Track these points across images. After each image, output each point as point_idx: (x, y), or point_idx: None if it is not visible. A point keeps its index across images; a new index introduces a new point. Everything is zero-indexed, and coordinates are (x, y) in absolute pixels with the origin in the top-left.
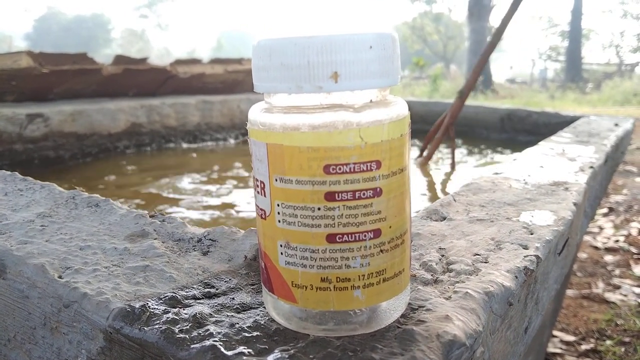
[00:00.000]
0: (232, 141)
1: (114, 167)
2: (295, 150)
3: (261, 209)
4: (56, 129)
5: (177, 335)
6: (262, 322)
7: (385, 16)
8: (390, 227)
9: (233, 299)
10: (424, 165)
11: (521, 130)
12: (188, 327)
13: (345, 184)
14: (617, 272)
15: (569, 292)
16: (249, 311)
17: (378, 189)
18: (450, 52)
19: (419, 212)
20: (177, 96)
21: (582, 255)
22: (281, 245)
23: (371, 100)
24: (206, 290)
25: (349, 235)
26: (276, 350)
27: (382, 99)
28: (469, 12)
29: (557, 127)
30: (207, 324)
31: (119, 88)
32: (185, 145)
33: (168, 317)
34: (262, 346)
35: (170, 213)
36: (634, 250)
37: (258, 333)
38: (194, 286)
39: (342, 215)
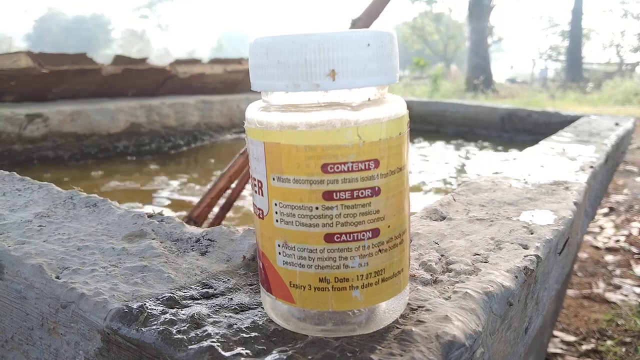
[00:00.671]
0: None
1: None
2: (292, 149)
3: (259, 209)
4: (55, 129)
5: (175, 336)
6: (261, 323)
7: (386, 16)
8: (388, 226)
9: (231, 299)
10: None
11: (522, 130)
12: (186, 327)
13: (343, 183)
14: (617, 272)
15: (570, 292)
16: (247, 312)
17: (376, 188)
18: (450, 52)
19: (418, 212)
20: (176, 96)
21: (583, 255)
22: (279, 245)
23: (369, 99)
24: (204, 290)
25: (347, 235)
26: (274, 351)
27: (380, 97)
28: (469, 12)
29: (557, 127)
30: (205, 325)
31: (118, 88)
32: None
33: (166, 318)
34: (260, 347)
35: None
36: (634, 250)
37: (256, 334)
38: (192, 286)
39: (340, 214)
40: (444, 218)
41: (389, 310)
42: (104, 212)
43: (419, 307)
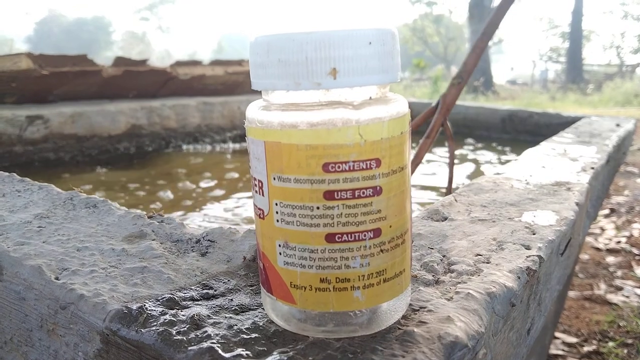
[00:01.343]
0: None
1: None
2: (293, 148)
3: (259, 209)
4: (56, 131)
5: (175, 337)
6: (261, 324)
7: (386, 18)
8: (390, 226)
9: (231, 300)
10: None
11: (522, 131)
12: (185, 329)
13: (344, 182)
14: (619, 273)
15: (571, 294)
16: (247, 312)
17: (378, 188)
18: (451, 53)
19: (420, 213)
20: (177, 98)
21: (584, 256)
22: (280, 245)
23: (371, 97)
24: (204, 291)
25: (349, 235)
26: (275, 352)
27: (382, 96)
28: (470, 13)
29: (558, 128)
30: (205, 326)
31: (119, 90)
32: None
33: (165, 319)
34: (261, 348)
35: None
36: (635, 251)
37: (256, 335)
38: (192, 287)
39: (341, 214)
40: (445, 219)
41: (390, 311)
42: (104, 213)
43: (420, 307)
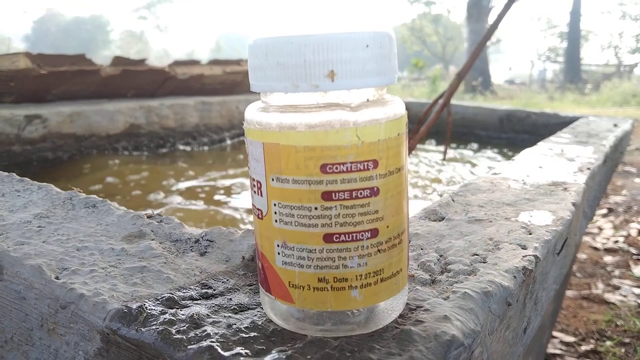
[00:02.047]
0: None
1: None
2: (291, 150)
3: (258, 209)
4: (54, 130)
5: (174, 336)
6: (260, 323)
7: (384, 18)
8: (387, 226)
9: (230, 299)
10: (411, 149)
11: (520, 131)
12: (185, 327)
13: (342, 183)
14: (616, 272)
15: (569, 293)
16: (246, 312)
17: (375, 189)
18: (449, 53)
19: (417, 213)
20: (175, 97)
21: (582, 256)
22: (278, 245)
23: (368, 99)
24: (203, 291)
25: (346, 235)
26: (273, 351)
27: (379, 98)
28: (468, 13)
29: (556, 128)
30: (204, 325)
31: (117, 89)
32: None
33: (165, 318)
34: (260, 347)
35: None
36: (633, 251)
37: (255, 334)
38: (191, 287)
39: (339, 214)
40: (442, 218)
41: (387, 310)
42: (103, 213)
43: (417, 307)
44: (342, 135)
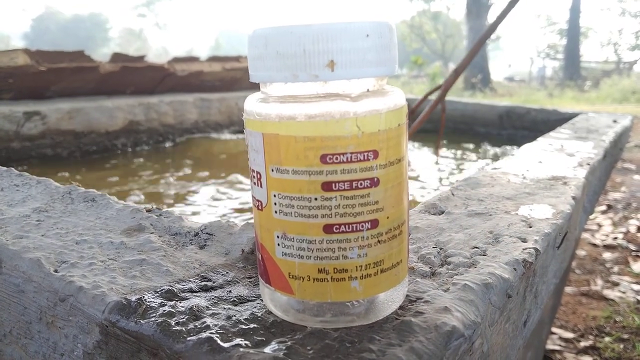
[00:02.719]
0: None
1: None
2: (291, 140)
3: (257, 200)
4: (54, 127)
5: (174, 328)
6: (259, 315)
7: (384, 15)
8: (387, 217)
9: (230, 291)
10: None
11: (520, 128)
12: (184, 319)
13: (342, 173)
14: (615, 269)
15: (568, 290)
16: (246, 304)
17: (375, 179)
18: (448, 50)
19: (417, 206)
20: (175, 94)
21: (581, 252)
22: (278, 237)
23: (368, 90)
24: (203, 283)
25: (346, 226)
26: (273, 342)
27: (379, 89)
28: (467, 10)
29: (555, 124)
30: (204, 317)
31: (116, 86)
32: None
33: (164, 310)
34: (259, 338)
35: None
36: (632, 247)
37: (255, 325)
38: (191, 279)
39: (339, 205)
40: (442, 212)
41: (387, 301)
42: (102, 207)
43: (417, 298)
44: (342, 125)
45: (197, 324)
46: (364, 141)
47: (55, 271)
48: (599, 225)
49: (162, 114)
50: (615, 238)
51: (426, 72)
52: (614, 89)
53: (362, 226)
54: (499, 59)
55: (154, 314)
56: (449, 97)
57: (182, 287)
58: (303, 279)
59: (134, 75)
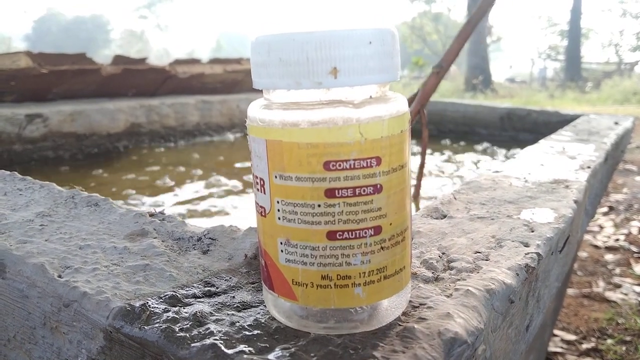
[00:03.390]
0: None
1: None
2: (294, 147)
3: (261, 206)
4: (55, 129)
5: (178, 334)
6: (263, 321)
7: (385, 16)
8: (390, 224)
9: (233, 297)
10: None
11: (521, 129)
12: (188, 325)
13: (345, 180)
14: (617, 271)
15: (570, 291)
16: (249, 309)
17: (378, 186)
18: None
19: (419, 210)
20: (176, 96)
21: (583, 254)
22: (281, 243)
23: (371, 96)
24: (206, 289)
25: (350, 232)
26: (277, 349)
27: (381, 95)
28: (468, 11)
29: (557, 126)
30: (208, 323)
31: (118, 88)
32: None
33: (168, 316)
34: (263, 344)
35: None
36: (634, 249)
37: (259, 331)
38: (194, 285)
39: (342, 212)
40: (444, 216)
41: (391, 307)
42: (106, 211)
43: (420, 304)
44: (345, 132)
45: (200, 330)
46: (367, 148)
47: (59, 276)
48: (601, 227)
49: (164, 116)
50: (617, 240)
51: (427, 74)
52: (615, 90)
53: (365, 233)
54: (500, 60)
55: (158, 320)
56: (450, 100)
57: (185, 292)
58: (306, 286)
59: (135, 78)
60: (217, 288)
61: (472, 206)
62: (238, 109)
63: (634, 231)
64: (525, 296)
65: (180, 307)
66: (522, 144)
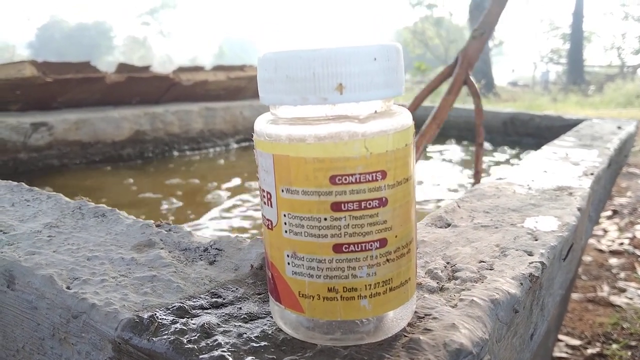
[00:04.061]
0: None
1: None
2: (301, 161)
3: (268, 220)
4: (60, 138)
5: (186, 346)
6: (270, 332)
7: (387, 21)
8: (396, 236)
9: (240, 308)
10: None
11: (524, 134)
12: (196, 337)
13: (351, 194)
14: (622, 275)
15: (574, 296)
16: (256, 321)
17: (384, 199)
18: (451, 56)
19: (424, 219)
20: (180, 103)
21: (587, 258)
22: (288, 256)
23: (376, 111)
24: (213, 300)
25: (355, 245)
26: None
27: (386, 110)
28: (470, 15)
29: (560, 131)
30: (215, 334)
31: (122, 96)
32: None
33: (176, 328)
34: (270, 356)
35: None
36: (638, 253)
37: (266, 343)
38: (201, 296)
39: (348, 225)
40: (448, 225)
41: (396, 318)
42: (113, 222)
43: (426, 315)
44: (351, 146)
45: (208, 342)
46: (372, 162)
47: (68, 288)
48: (605, 231)
49: (168, 124)
50: (622, 244)
51: (430, 78)
52: (618, 93)
53: (371, 245)
54: (502, 64)
55: (166, 332)
56: (453, 105)
57: (192, 303)
58: (313, 298)
59: (139, 86)
60: (224, 299)
61: (476, 214)
62: (241, 115)
63: (639, 235)
64: (529, 305)
65: (188, 318)
66: (526, 149)
